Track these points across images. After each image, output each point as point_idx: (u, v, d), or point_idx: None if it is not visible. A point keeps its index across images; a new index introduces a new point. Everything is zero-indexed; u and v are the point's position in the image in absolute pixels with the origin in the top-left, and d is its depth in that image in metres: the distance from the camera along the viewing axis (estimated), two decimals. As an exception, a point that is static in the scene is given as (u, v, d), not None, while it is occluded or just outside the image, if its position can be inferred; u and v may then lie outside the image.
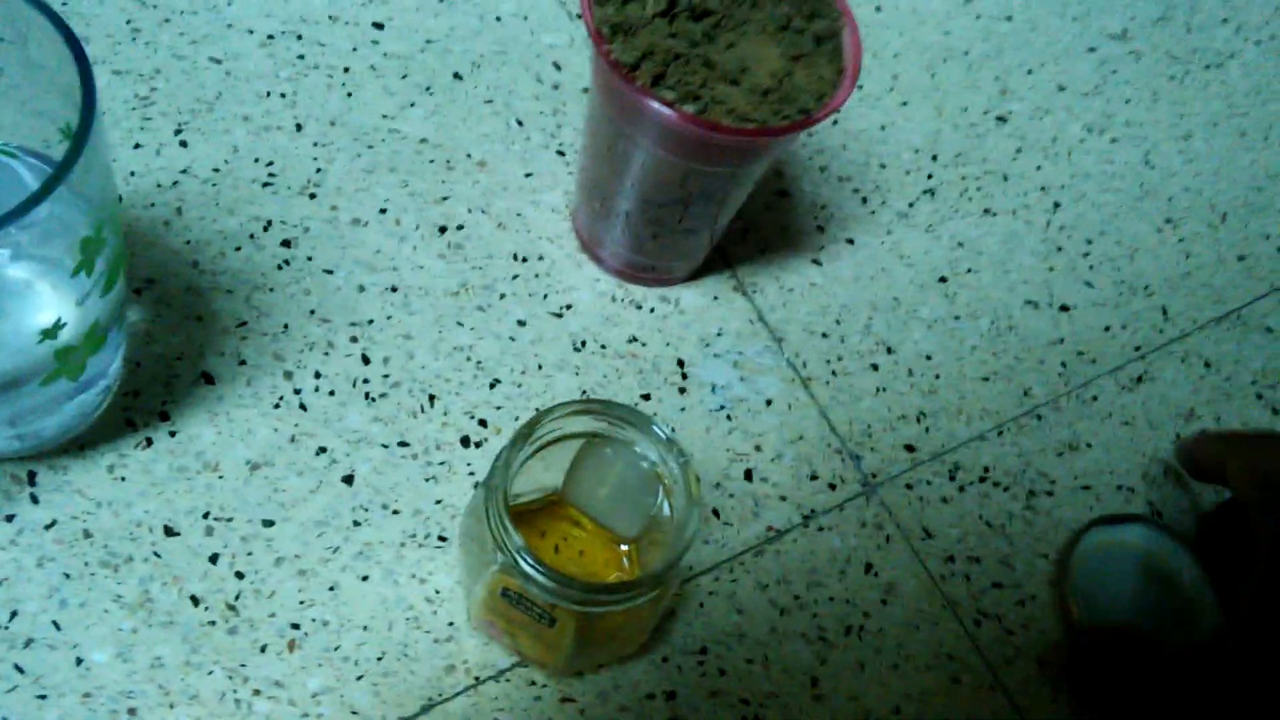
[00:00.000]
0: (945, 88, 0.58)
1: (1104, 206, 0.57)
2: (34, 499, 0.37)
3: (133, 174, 0.44)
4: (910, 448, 0.47)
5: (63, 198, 0.28)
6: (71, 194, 0.28)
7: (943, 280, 0.52)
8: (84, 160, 0.28)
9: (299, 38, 0.50)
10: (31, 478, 0.37)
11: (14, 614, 0.35)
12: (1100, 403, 0.51)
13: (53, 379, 0.33)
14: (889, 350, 0.49)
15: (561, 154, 0.50)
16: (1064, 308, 0.53)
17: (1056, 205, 0.56)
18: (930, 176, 0.55)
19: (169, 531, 0.38)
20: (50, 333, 0.31)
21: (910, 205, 0.54)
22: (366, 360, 0.43)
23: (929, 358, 0.50)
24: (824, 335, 0.49)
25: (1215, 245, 0.57)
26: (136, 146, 0.45)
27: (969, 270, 0.53)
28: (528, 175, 0.49)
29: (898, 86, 0.58)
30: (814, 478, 0.45)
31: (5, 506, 0.37)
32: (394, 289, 0.45)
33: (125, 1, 0.48)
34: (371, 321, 0.44)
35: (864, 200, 0.53)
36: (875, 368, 0.49)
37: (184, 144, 0.46)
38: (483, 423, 0.43)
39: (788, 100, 0.38)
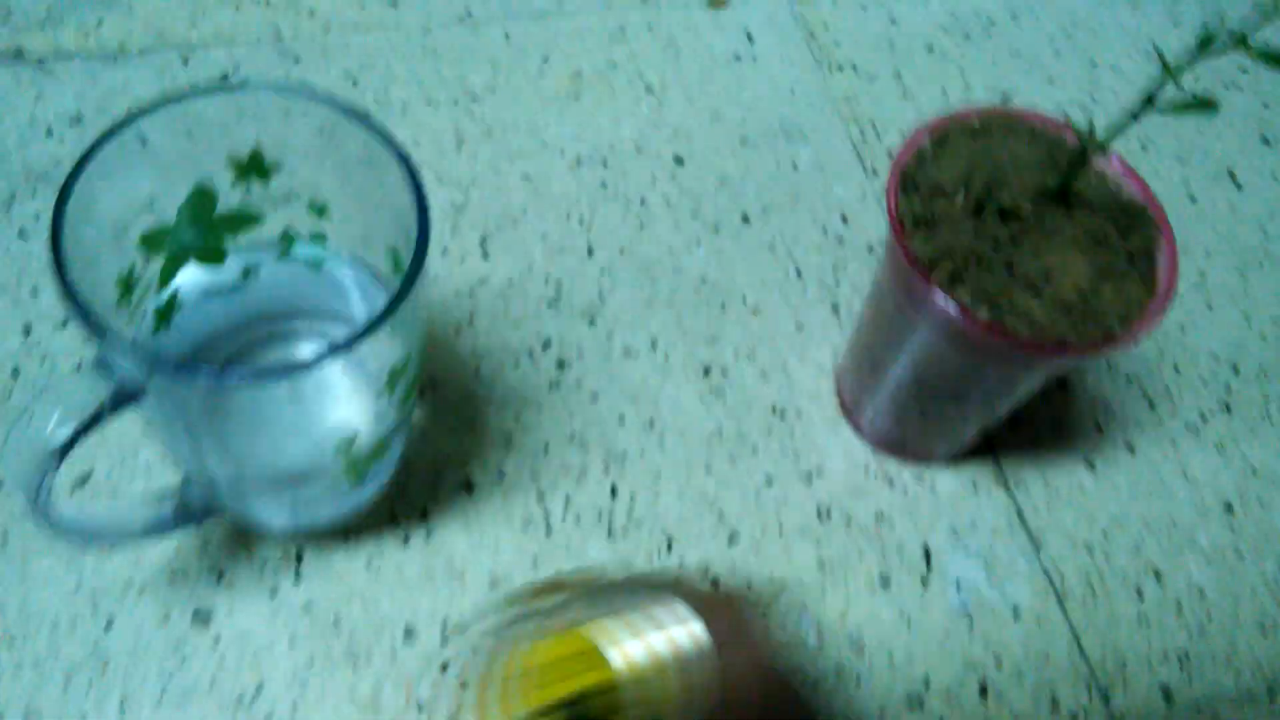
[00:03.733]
0: (1256, 294, 0.54)
1: None
2: (297, 576, 0.40)
3: (436, 278, 0.47)
4: (1167, 693, 0.43)
5: (381, 334, 0.30)
6: (389, 331, 0.30)
7: (1229, 508, 0.48)
8: (405, 305, 0.30)
9: (605, 165, 0.52)
10: (299, 556, 0.40)
11: (260, 687, 0.38)
12: (1400, 681, 0.45)
13: (338, 481, 0.36)
14: (1158, 576, 0.45)
15: (836, 310, 0.50)
16: (1369, 562, 0.47)
17: (1375, 443, 0.50)
18: (1229, 389, 0.51)
19: (409, 634, 0.39)
20: (345, 445, 0.33)
21: (1202, 418, 0.50)
22: (615, 493, 0.44)
23: (1202, 593, 0.45)
24: (1088, 548, 0.46)
25: None
26: (444, 252, 0.48)
27: (1260, 502, 0.48)
28: (798, 327, 0.49)
29: (1204, 285, 0.54)
30: (1055, 707, 0.42)
31: (272, 580, 0.39)
32: (652, 424, 0.46)
33: (457, 113, 0.52)
34: (625, 454, 0.45)
35: (1151, 405, 0.50)
36: (1140, 594, 0.45)
37: (485, 255, 0.48)
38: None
39: (1090, 318, 0.36)
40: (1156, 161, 0.58)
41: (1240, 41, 0.29)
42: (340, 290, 0.39)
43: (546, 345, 0.47)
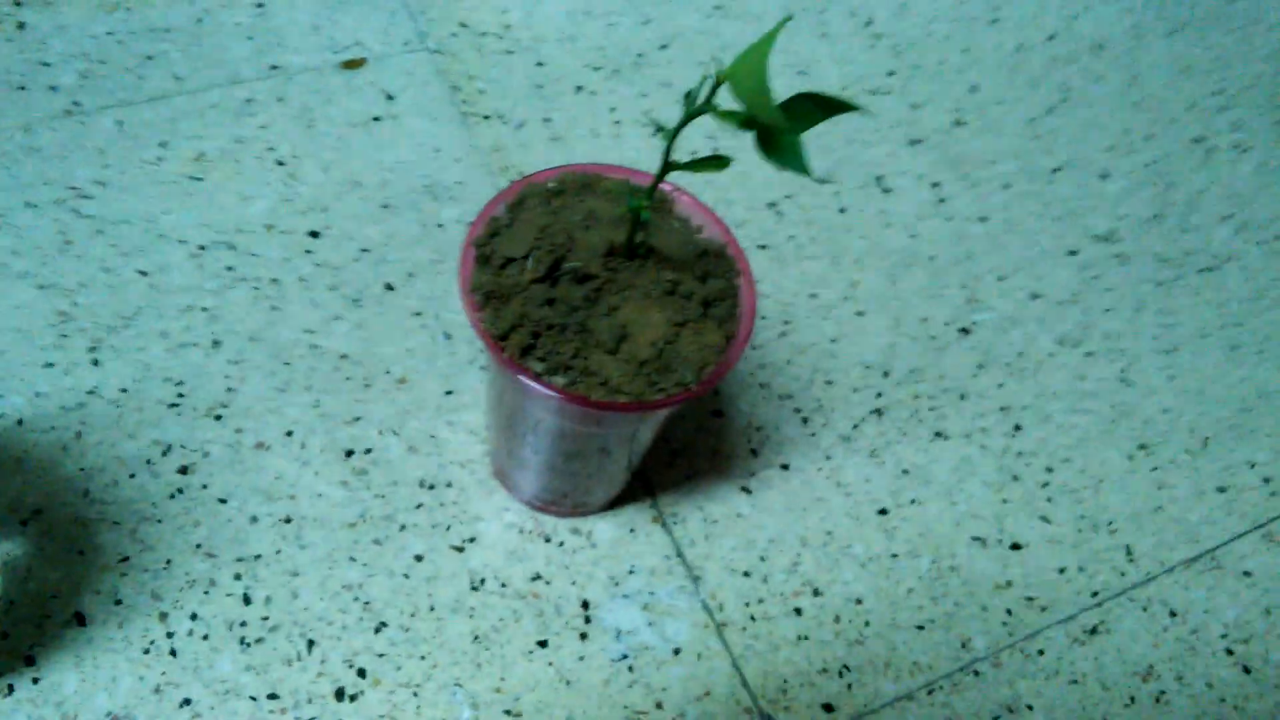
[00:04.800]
0: (906, 296, 0.56)
1: (1071, 429, 0.54)
2: (-126, 756, 0.36)
3: (39, 395, 0.44)
4: (828, 707, 0.44)
5: None
6: None
7: (883, 512, 0.49)
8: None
9: (231, 248, 0.50)
10: (-121, 730, 0.37)
11: None
12: (1047, 657, 0.47)
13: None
14: (816, 592, 0.47)
15: (488, 369, 0.49)
16: (1015, 546, 0.50)
17: (1017, 428, 0.53)
18: (880, 395, 0.53)
19: (9, 794, 0.37)
20: None
21: (855, 427, 0.51)
22: (248, 600, 0.42)
23: (859, 602, 0.47)
24: (745, 574, 0.46)
25: (1193, 475, 0.53)
26: (48, 365, 0.45)
27: (913, 501, 0.50)
28: (448, 393, 0.48)
29: (855, 295, 0.56)
30: (709, 746, 0.42)
31: None
32: (288, 520, 0.44)
33: (62, 213, 0.49)
34: (259, 557, 0.43)
35: (805, 421, 0.51)
36: (799, 612, 0.46)
37: (96, 362, 0.46)
38: (361, 673, 0.41)
39: (666, 370, 0.36)
40: (803, 179, 0.60)
41: (709, 109, 0.30)
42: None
43: (167, 451, 0.44)
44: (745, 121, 0.30)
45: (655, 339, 0.37)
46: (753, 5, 0.67)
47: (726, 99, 0.29)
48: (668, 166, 0.34)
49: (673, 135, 0.32)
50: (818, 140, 0.61)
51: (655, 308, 0.37)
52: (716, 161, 0.32)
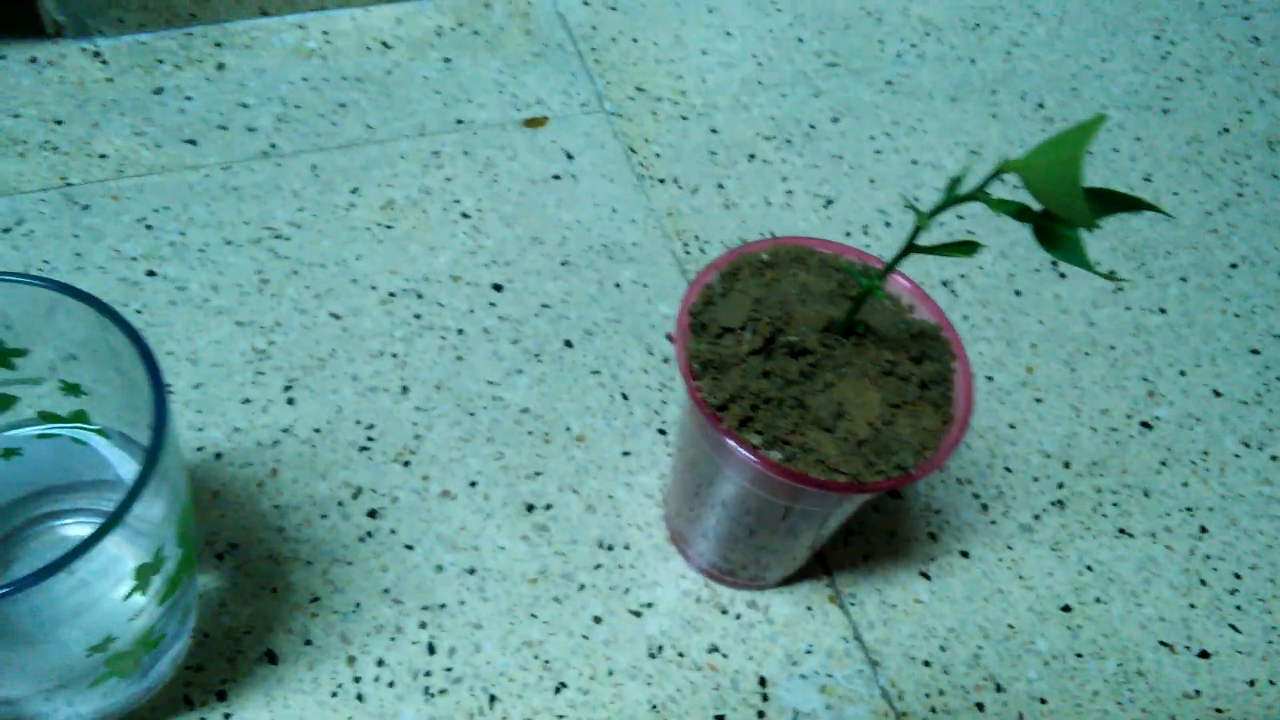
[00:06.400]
0: (1085, 385, 0.55)
1: (1258, 535, 0.51)
2: (74, 782, 0.37)
3: (236, 430, 0.45)
4: (1009, 810, 0.42)
5: (104, 545, 0.28)
6: (122, 537, 0.28)
7: (1066, 609, 0.47)
8: (141, 502, 0.28)
9: (419, 296, 0.51)
10: (79, 754, 0.37)
11: None
12: (1239, 776, 0.45)
13: (103, 680, 0.33)
14: (998, 688, 0.45)
15: (663, 433, 0.49)
16: (1203, 654, 0.47)
17: (1203, 530, 0.51)
18: (1061, 486, 0.51)
19: (199, 832, 0.37)
20: (99, 648, 0.31)
21: (1036, 518, 0.50)
22: (432, 650, 0.42)
23: (1043, 701, 0.45)
24: (926, 663, 0.45)
25: (1390, 593, 0.50)
26: (245, 401, 0.46)
27: (1097, 600, 0.48)
28: (625, 454, 0.48)
29: (1032, 381, 0.54)
30: (892, 843, 0.41)
31: (46, 786, 0.36)
32: (472, 571, 0.44)
33: (259, 252, 0.50)
34: (444, 606, 0.43)
35: (984, 508, 0.50)
36: (980, 708, 0.44)
37: (291, 401, 0.46)
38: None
39: (885, 452, 0.36)
40: (980, 257, 0.59)
41: (980, 196, 0.29)
42: (108, 464, 0.36)
43: (357, 494, 0.45)
44: (1020, 212, 0.29)
45: (872, 419, 0.36)
46: (923, 82, 0.67)
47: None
48: (911, 248, 0.33)
49: (929, 217, 0.31)
50: (992, 222, 0.60)
51: (872, 387, 0.37)
52: (966, 247, 0.32)
